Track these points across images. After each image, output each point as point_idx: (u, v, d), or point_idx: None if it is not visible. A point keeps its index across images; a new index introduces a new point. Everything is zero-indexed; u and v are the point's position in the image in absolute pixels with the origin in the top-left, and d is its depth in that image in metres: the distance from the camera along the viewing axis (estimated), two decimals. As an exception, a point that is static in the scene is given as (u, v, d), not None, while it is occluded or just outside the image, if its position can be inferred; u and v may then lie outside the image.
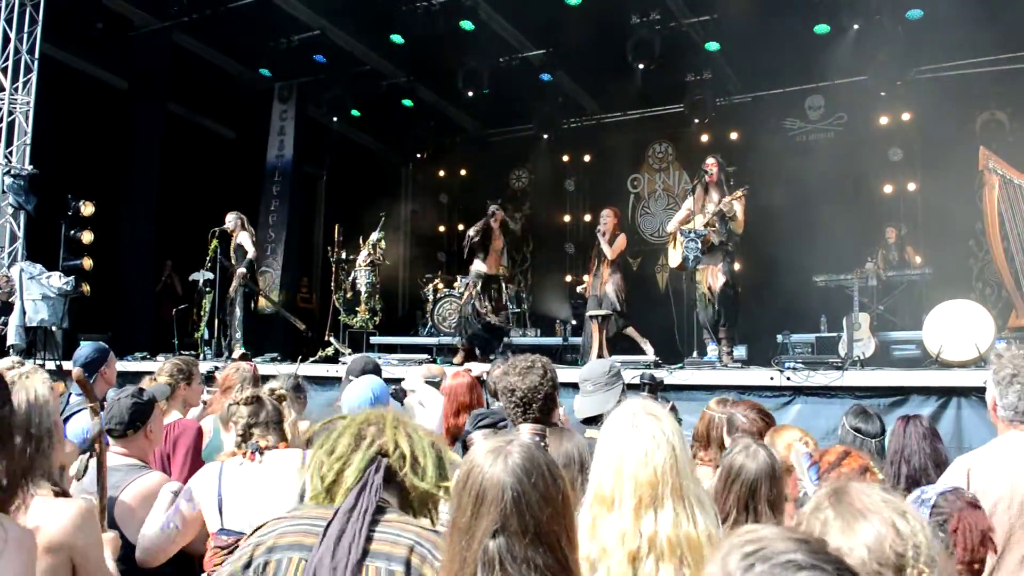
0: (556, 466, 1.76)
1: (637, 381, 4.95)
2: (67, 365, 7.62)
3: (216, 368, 6.31)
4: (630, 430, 2.05)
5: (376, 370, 4.61)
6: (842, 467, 2.56)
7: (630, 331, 9.04)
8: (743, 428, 3.31)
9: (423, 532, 1.82)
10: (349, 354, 9.66)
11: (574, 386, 3.82)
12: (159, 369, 4.59)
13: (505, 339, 10.08)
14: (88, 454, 2.59)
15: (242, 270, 10.21)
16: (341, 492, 1.85)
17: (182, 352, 9.95)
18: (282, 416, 3.17)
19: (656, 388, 4.93)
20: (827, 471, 2.56)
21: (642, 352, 8.73)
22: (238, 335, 10.16)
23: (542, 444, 2.56)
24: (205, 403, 4.81)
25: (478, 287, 9.62)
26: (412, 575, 1.75)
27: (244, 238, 10.30)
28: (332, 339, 10.14)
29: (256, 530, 1.88)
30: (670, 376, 6.79)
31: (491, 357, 9.04)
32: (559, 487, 1.72)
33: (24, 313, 9.38)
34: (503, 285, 10.06)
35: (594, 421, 3.61)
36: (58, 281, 9.60)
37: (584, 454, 3.10)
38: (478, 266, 9.72)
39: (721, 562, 1.17)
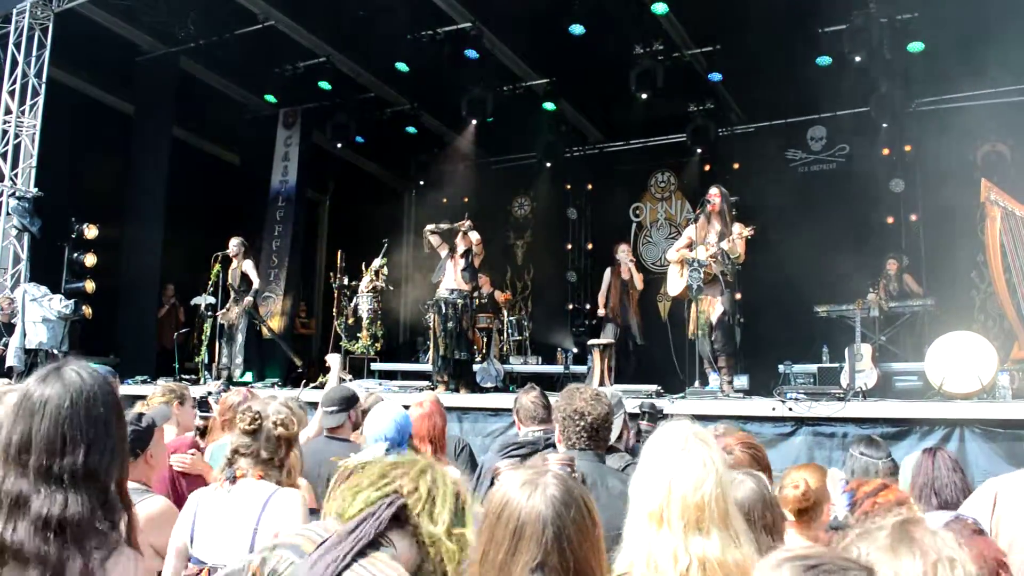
0: (591, 498, 1.74)
1: (637, 410, 4.93)
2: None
3: (210, 394, 6.31)
4: (681, 453, 2.02)
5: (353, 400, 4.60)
6: (878, 498, 2.54)
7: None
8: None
9: None
10: (351, 379, 9.63)
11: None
12: (151, 395, 4.62)
13: (498, 366, 10.03)
14: None
15: (249, 299, 10.36)
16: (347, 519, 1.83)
17: (182, 376, 9.96)
18: (276, 451, 3.01)
19: (656, 418, 4.91)
20: (862, 500, 2.54)
21: (649, 381, 8.77)
22: (238, 360, 10.17)
23: (573, 475, 2.53)
24: (199, 428, 4.81)
25: (439, 308, 9.12)
26: None
27: (249, 267, 10.38)
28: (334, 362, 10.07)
29: None
30: (672, 405, 6.76)
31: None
32: (595, 520, 1.70)
33: (25, 335, 9.39)
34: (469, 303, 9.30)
35: None
36: (58, 304, 9.62)
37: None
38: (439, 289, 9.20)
39: (771, 575, 1.16)
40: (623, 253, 10.67)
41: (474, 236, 9.08)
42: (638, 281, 10.53)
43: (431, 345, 9.27)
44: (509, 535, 1.63)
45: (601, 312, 10.84)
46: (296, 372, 11.58)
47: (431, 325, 9.28)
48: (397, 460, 1.94)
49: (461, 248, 9.08)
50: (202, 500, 2.94)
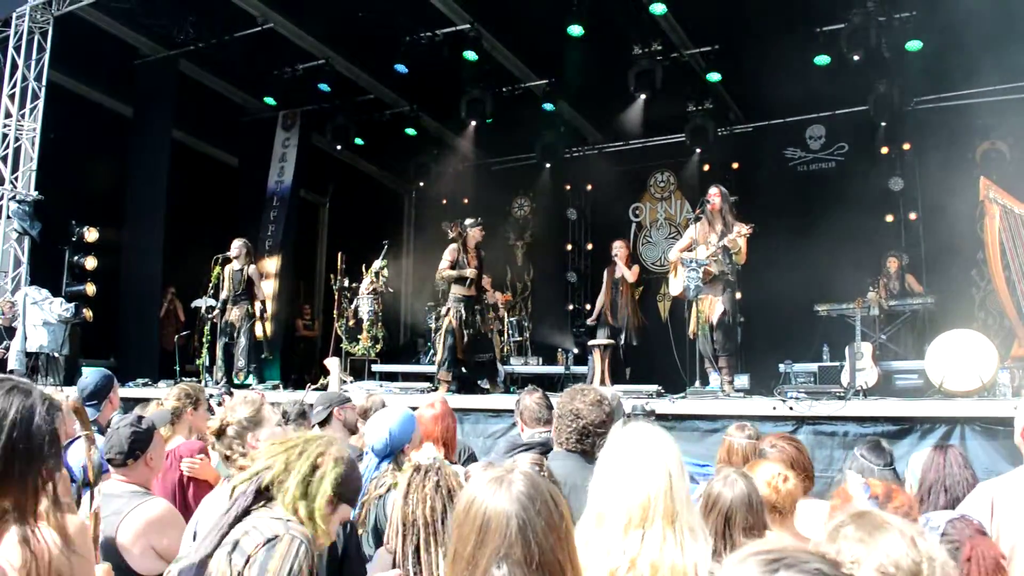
0: (559, 494, 1.77)
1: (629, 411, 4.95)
2: (69, 391, 7.60)
3: (212, 396, 6.31)
4: (629, 452, 2.04)
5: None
6: (892, 500, 2.58)
7: None
8: (774, 459, 3.31)
9: (275, 523, 2.03)
10: (351, 381, 9.65)
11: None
12: (167, 395, 4.63)
13: (501, 367, 10.06)
14: (87, 489, 2.56)
15: (258, 304, 10.41)
16: None
17: (184, 378, 9.95)
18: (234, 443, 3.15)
19: (648, 418, 4.94)
20: (884, 504, 2.58)
21: (649, 381, 8.77)
22: (241, 363, 10.16)
23: (542, 474, 2.55)
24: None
25: (460, 314, 9.18)
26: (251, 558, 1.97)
27: (254, 272, 10.38)
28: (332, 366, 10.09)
29: None
30: (673, 405, 6.78)
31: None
32: (562, 515, 1.73)
33: (26, 339, 9.40)
34: (484, 309, 9.57)
35: None
36: (58, 307, 9.62)
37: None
38: (455, 290, 9.27)
39: (736, 570, 1.19)
40: (615, 249, 10.45)
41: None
42: (629, 275, 10.16)
43: (440, 346, 9.26)
44: (476, 530, 1.67)
45: (591, 321, 10.76)
46: (298, 375, 11.59)
47: (443, 327, 9.24)
48: (292, 437, 2.22)
49: (471, 250, 9.18)
50: (206, 501, 2.96)
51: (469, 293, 9.16)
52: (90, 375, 4.93)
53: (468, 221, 9.37)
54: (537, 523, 1.65)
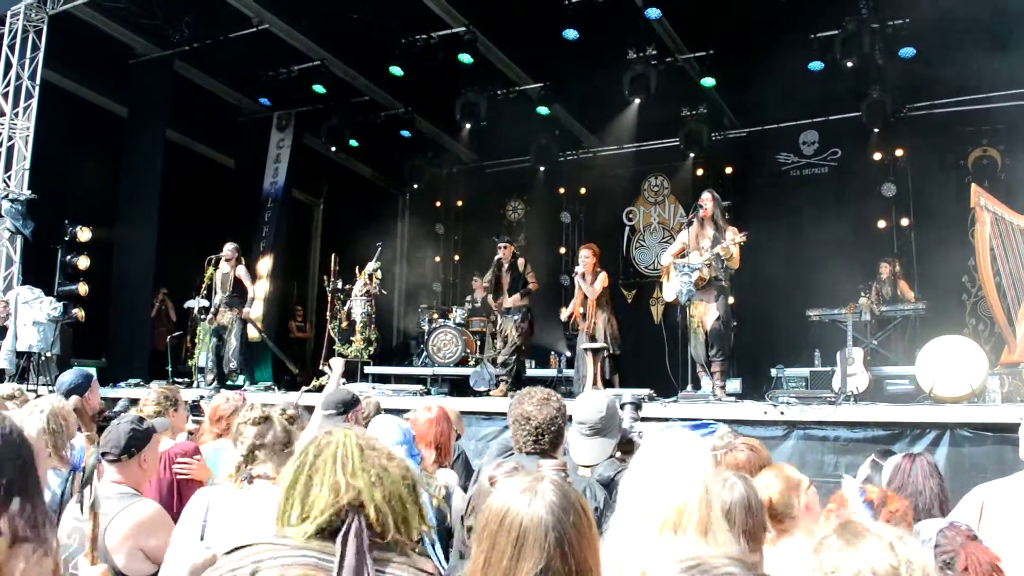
0: (585, 501, 1.78)
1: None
2: (60, 391, 7.58)
3: (202, 397, 6.30)
4: (669, 458, 2.07)
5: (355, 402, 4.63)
6: (888, 504, 2.59)
7: None
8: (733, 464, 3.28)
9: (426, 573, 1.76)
10: (344, 383, 9.62)
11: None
12: (144, 399, 4.61)
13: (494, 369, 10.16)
14: (87, 486, 2.55)
15: (247, 309, 10.37)
16: (312, 530, 1.73)
17: (175, 380, 9.94)
18: (291, 439, 3.07)
19: (638, 407, 4.93)
20: (880, 509, 2.59)
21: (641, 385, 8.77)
22: (233, 364, 10.14)
23: (568, 481, 2.56)
24: (191, 432, 4.82)
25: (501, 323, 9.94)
26: None
27: (243, 273, 10.35)
28: (327, 367, 10.07)
29: (235, 550, 1.72)
30: (664, 409, 6.80)
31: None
32: (590, 521, 1.74)
33: (16, 338, 9.36)
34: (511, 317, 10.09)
35: None
36: (47, 307, 9.58)
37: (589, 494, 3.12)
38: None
39: None
40: (580, 259, 9.59)
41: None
42: (588, 289, 9.28)
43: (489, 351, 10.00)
44: (512, 542, 1.66)
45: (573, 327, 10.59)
46: (290, 376, 11.56)
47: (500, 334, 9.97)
48: (334, 452, 1.79)
49: (505, 265, 9.85)
50: (214, 499, 2.94)
51: (513, 304, 9.91)
52: (69, 375, 4.92)
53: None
54: (572, 533, 1.66)
